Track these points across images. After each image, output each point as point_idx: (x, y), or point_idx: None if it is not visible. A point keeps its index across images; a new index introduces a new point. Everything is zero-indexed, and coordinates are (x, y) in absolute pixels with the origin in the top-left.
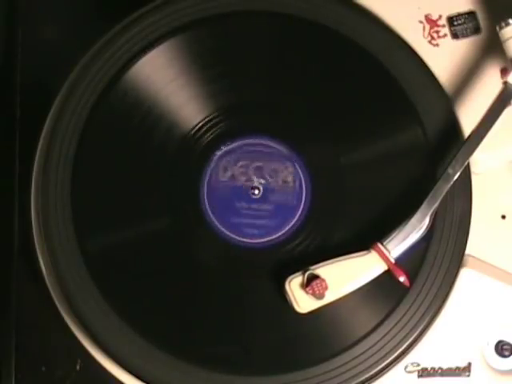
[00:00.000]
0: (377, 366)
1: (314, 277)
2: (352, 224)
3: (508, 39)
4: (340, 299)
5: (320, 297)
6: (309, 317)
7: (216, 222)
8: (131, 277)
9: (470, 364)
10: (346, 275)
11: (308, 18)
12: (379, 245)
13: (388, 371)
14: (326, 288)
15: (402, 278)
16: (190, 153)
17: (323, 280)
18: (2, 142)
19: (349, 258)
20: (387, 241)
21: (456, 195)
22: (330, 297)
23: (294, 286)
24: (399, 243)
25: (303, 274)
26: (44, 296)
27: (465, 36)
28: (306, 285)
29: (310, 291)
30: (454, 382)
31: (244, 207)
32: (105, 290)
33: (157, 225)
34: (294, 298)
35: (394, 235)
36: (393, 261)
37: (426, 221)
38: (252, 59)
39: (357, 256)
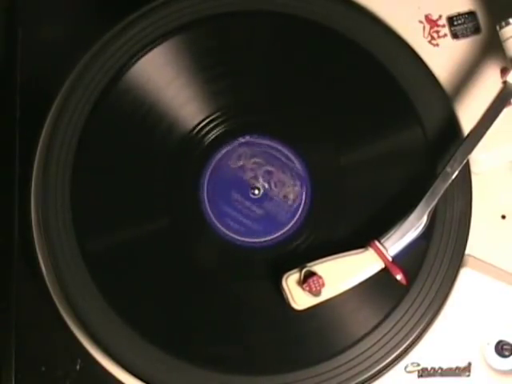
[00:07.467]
0: (377, 366)
1: (311, 274)
2: (352, 223)
3: (508, 39)
4: (340, 298)
5: (317, 294)
6: (309, 316)
7: (216, 223)
8: (131, 277)
9: (470, 364)
10: (343, 272)
11: (308, 18)
12: (376, 242)
13: (388, 371)
14: (323, 285)
15: (398, 276)
16: (191, 153)
17: (320, 277)
18: (2, 142)
19: (346, 256)
20: (384, 238)
21: (456, 195)
22: (327, 294)
23: (290, 282)
24: (396, 241)
25: (300, 270)
26: (44, 296)
27: (465, 36)
28: (302, 281)
29: (307, 288)
30: (454, 381)
31: (238, 200)
32: (105, 290)
33: (157, 225)
34: (291, 295)
35: (391, 233)
36: (390, 259)
37: (424, 219)
38: (252, 59)
39: (354, 253)
